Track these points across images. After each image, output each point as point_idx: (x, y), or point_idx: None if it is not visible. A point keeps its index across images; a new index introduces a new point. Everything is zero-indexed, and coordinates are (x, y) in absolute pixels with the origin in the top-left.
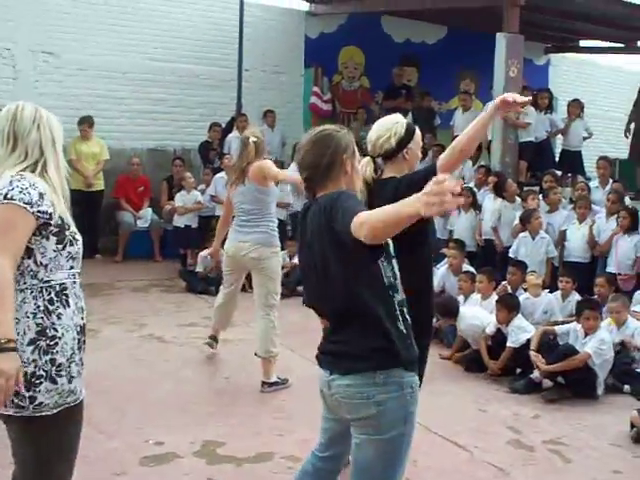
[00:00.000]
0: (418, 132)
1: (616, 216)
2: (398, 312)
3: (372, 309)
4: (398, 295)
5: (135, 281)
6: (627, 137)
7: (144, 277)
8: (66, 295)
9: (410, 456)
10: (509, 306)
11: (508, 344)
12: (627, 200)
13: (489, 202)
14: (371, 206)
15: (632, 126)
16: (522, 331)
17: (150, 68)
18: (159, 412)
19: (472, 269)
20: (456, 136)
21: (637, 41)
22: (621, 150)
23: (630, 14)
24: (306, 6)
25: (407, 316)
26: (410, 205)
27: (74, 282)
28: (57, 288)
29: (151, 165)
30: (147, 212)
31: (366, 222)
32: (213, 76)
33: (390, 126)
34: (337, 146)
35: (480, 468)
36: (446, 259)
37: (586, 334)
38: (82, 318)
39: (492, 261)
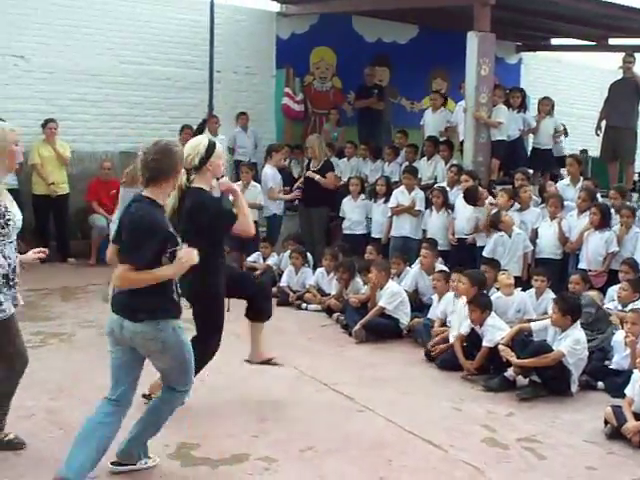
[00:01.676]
0: (218, 148)
1: (587, 213)
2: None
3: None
4: None
5: (109, 284)
6: (598, 135)
7: None
8: None
9: (384, 456)
10: (482, 306)
11: (484, 344)
12: (599, 198)
13: (461, 202)
14: (180, 208)
15: (603, 124)
16: (496, 330)
17: (121, 70)
18: (133, 415)
19: (446, 268)
20: (430, 136)
21: (608, 39)
22: (593, 148)
23: (601, 12)
24: (277, 7)
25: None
26: (168, 271)
27: (3, 247)
28: None
29: (124, 168)
30: None
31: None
32: (185, 78)
33: (195, 146)
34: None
35: (455, 467)
36: (419, 259)
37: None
38: (8, 269)
39: (465, 260)
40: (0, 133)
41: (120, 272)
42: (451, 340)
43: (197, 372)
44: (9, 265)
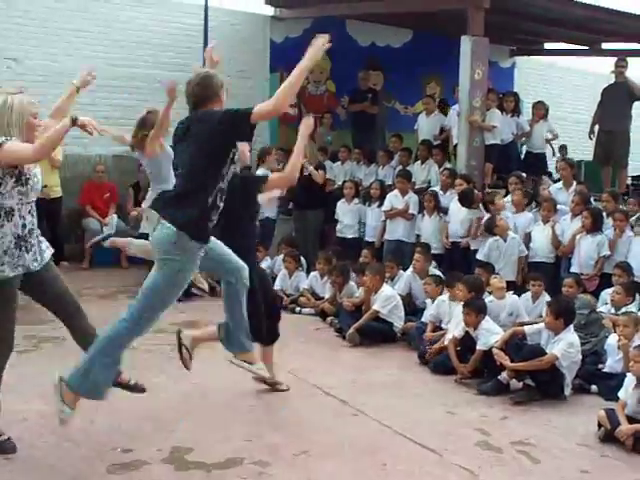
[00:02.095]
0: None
1: (580, 217)
2: None
3: None
4: None
5: (102, 288)
6: (591, 139)
7: (111, 284)
8: (12, 214)
9: (378, 460)
10: (476, 309)
11: (478, 347)
12: (592, 202)
13: (456, 206)
14: None
15: (596, 128)
16: (491, 334)
17: (115, 74)
18: (126, 419)
19: (439, 272)
20: (423, 140)
21: (601, 43)
22: (586, 152)
23: (594, 16)
24: (271, 11)
25: None
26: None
27: (21, 207)
28: (6, 209)
29: (117, 171)
30: (113, 219)
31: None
32: (179, 82)
33: None
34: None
35: (449, 470)
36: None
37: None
38: (22, 230)
39: (459, 263)
40: (17, 105)
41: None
42: (445, 343)
43: None
44: (24, 226)
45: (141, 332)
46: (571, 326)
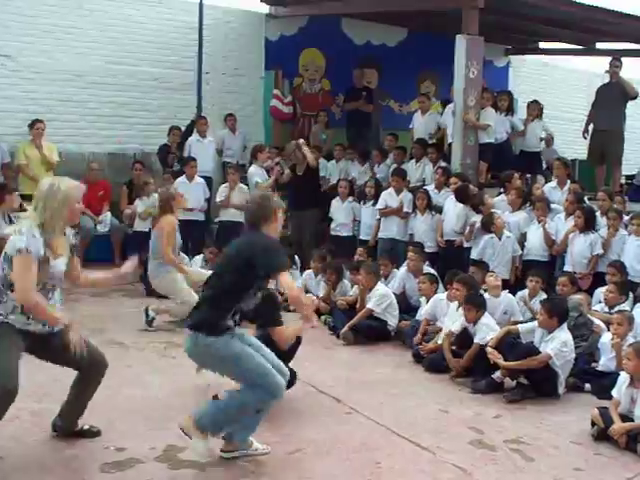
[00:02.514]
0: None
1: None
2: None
3: None
4: None
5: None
6: (585, 138)
7: None
8: None
9: (372, 458)
10: (477, 305)
11: (475, 341)
12: (586, 201)
13: (451, 204)
14: None
15: (590, 127)
16: (490, 329)
17: (109, 71)
18: (120, 418)
19: (433, 270)
20: (418, 139)
21: (595, 43)
22: (580, 151)
23: (588, 16)
24: (266, 9)
25: None
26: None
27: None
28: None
29: (111, 169)
30: (107, 217)
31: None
32: (173, 79)
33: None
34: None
35: (442, 469)
36: (406, 261)
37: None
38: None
39: (453, 262)
40: (63, 189)
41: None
42: (439, 341)
43: None
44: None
45: (264, 393)
46: (564, 325)
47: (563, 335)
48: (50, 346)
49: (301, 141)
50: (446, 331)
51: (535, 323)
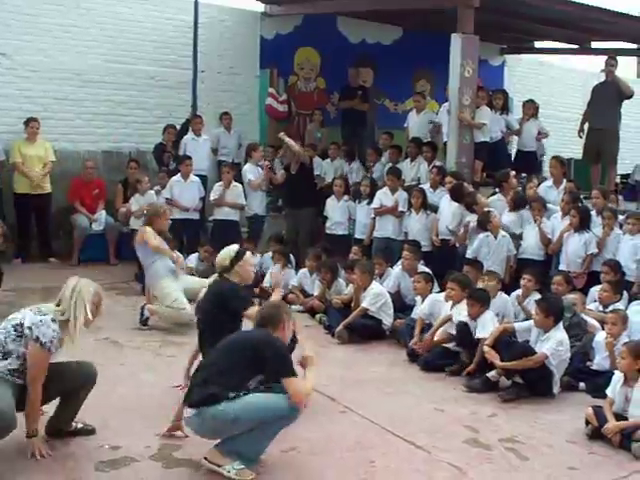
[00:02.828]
0: (247, 255)
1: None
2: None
3: None
4: None
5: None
6: (581, 137)
7: (100, 280)
8: None
9: (367, 457)
10: (481, 300)
11: (477, 335)
12: (582, 199)
13: (446, 203)
14: None
15: (586, 126)
16: (491, 324)
17: (105, 69)
18: (115, 416)
19: (427, 269)
20: (413, 138)
21: (591, 42)
22: (576, 150)
23: (584, 15)
24: (261, 7)
25: None
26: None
27: None
28: None
29: (106, 168)
30: (102, 215)
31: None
32: (168, 77)
33: (226, 252)
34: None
35: (437, 468)
36: (401, 260)
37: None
38: None
39: (448, 261)
40: (84, 290)
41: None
42: (436, 338)
43: None
44: None
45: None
46: (560, 324)
47: (559, 335)
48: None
49: (281, 134)
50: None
51: (531, 322)
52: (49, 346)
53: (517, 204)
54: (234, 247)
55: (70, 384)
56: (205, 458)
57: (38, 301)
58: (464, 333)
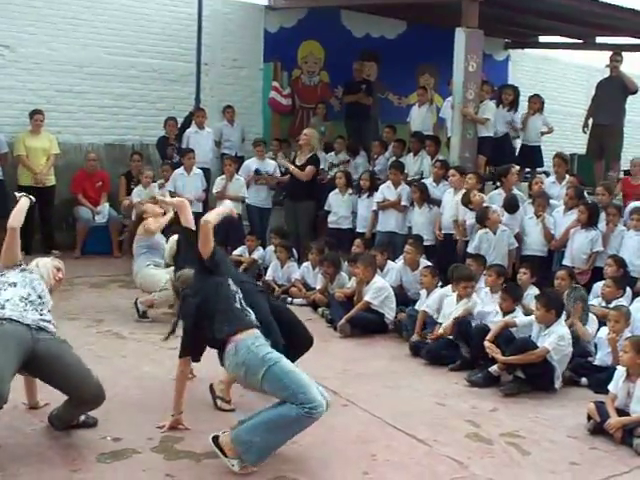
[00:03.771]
0: None
1: (574, 210)
2: None
3: None
4: None
5: (93, 277)
6: (585, 133)
7: (102, 273)
8: None
9: (368, 450)
10: (514, 295)
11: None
12: (586, 195)
13: (449, 197)
14: None
15: (590, 122)
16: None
17: (108, 62)
18: (117, 408)
19: (429, 263)
20: (415, 132)
21: (595, 37)
22: (579, 146)
23: (588, 10)
24: (265, 0)
25: None
26: None
27: None
28: None
29: (109, 160)
30: (105, 207)
31: None
32: (172, 70)
33: None
34: None
35: (439, 461)
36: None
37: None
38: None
39: (451, 255)
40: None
41: None
42: (441, 330)
43: None
44: None
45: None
46: (562, 318)
47: (560, 329)
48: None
49: (281, 161)
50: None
51: (532, 317)
52: None
53: (509, 208)
54: None
55: (75, 393)
56: (215, 438)
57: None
58: (463, 327)
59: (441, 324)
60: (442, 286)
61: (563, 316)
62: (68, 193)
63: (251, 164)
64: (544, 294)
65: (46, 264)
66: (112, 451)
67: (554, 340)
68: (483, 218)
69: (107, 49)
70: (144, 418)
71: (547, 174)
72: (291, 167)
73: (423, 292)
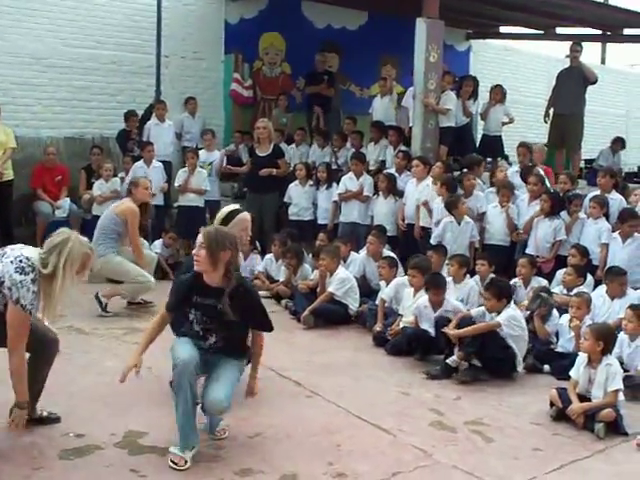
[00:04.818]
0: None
1: (538, 200)
2: None
3: None
4: None
5: None
6: (546, 122)
7: None
8: None
9: (333, 441)
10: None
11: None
12: (548, 184)
13: (411, 187)
14: None
15: (551, 111)
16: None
17: (67, 54)
18: (79, 404)
19: (392, 254)
20: (375, 121)
21: (556, 28)
22: (541, 135)
23: (549, 1)
24: None
25: None
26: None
27: None
28: None
29: (69, 154)
30: (65, 202)
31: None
32: (132, 62)
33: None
34: None
35: (403, 450)
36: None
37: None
38: None
39: (414, 246)
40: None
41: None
42: (401, 325)
43: None
44: None
45: None
46: (512, 303)
47: (510, 311)
48: None
49: (264, 171)
50: (406, 318)
51: (483, 308)
52: (30, 309)
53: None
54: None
55: (38, 339)
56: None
57: None
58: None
59: (401, 316)
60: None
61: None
62: (27, 188)
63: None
64: (493, 284)
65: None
66: (75, 447)
67: (504, 316)
68: (451, 206)
69: (64, 40)
70: (107, 414)
71: (508, 162)
72: (274, 172)
73: (382, 283)
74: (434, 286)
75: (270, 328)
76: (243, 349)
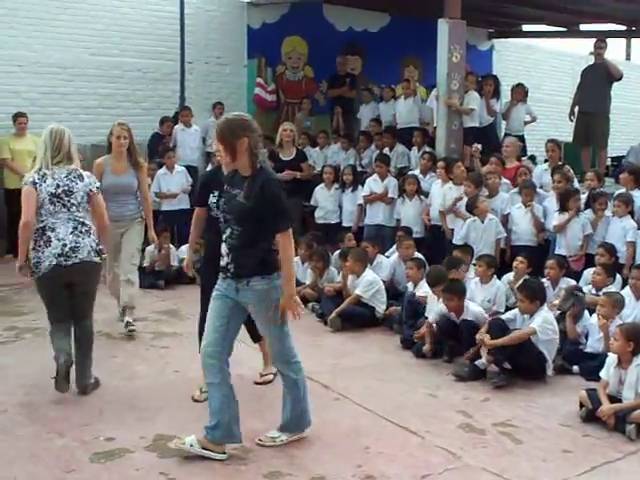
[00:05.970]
0: None
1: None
2: None
3: None
4: None
5: None
6: (571, 120)
7: None
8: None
9: (361, 443)
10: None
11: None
12: (576, 183)
13: (436, 188)
14: None
15: (576, 109)
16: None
17: (92, 63)
18: (109, 408)
19: (421, 256)
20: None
21: (579, 25)
22: (565, 134)
23: None
24: None
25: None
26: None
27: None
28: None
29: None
30: None
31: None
32: (156, 69)
33: None
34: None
35: (432, 453)
36: (394, 247)
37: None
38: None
39: (440, 247)
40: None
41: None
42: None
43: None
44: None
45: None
46: (545, 306)
47: (544, 314)
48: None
49: (287, 173)
50: (431, 318)
51: (516, 310)
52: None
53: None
54: None
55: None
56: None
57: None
58: (448, 326)
59: (427, 318)
60: None
61: (546, 305)
62: None
63: None
64: (526, 286)
65: None
66: (105, 451)
67: (539, 321)
68: (472, 206)
69: (89, 50)
70: (136, 417)
71: (534, 162)
72: (298, 175)
73: (410, 284)
74: (451, 292)
75: (285, 225)
76: (259, 258)
